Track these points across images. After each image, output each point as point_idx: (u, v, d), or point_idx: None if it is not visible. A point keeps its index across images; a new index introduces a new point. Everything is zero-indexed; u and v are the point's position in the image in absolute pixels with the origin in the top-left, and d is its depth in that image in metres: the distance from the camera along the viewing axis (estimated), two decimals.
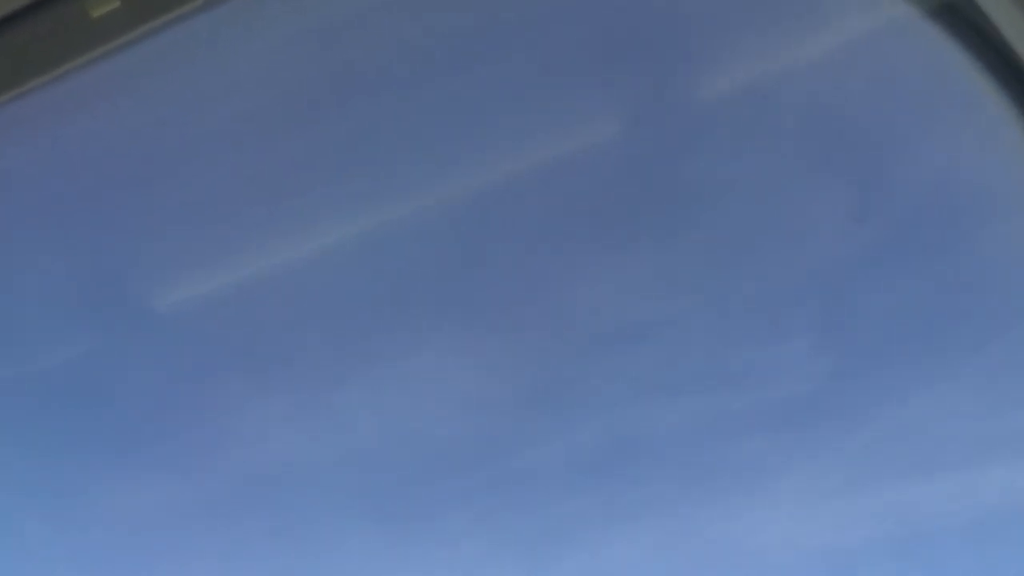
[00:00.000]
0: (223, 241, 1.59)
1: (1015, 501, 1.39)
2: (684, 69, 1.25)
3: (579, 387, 1.86)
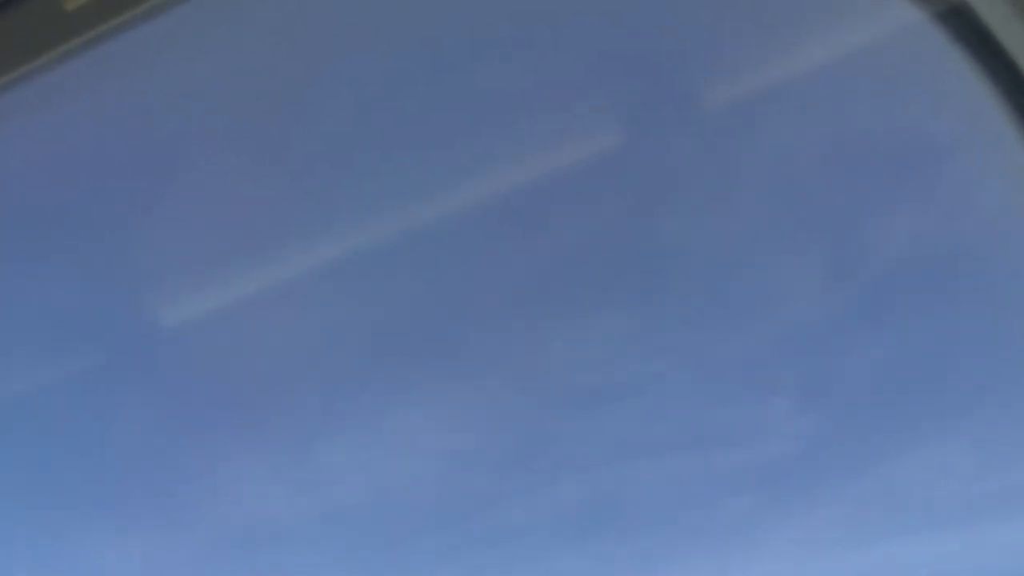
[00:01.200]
0: (205, 283, 1.57)
1: (1011, 560, 1.35)
2: (664, 113, 1.22)
3: (562, 444, 1.83)
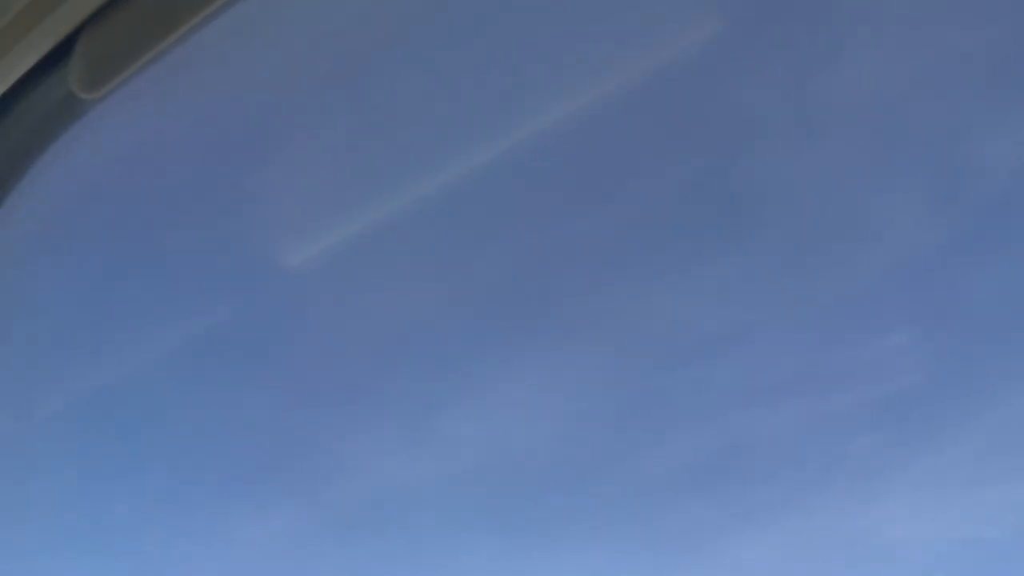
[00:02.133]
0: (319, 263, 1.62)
1: None
2: (741, 63, 1.18)
3: (676, 397, 1.81)
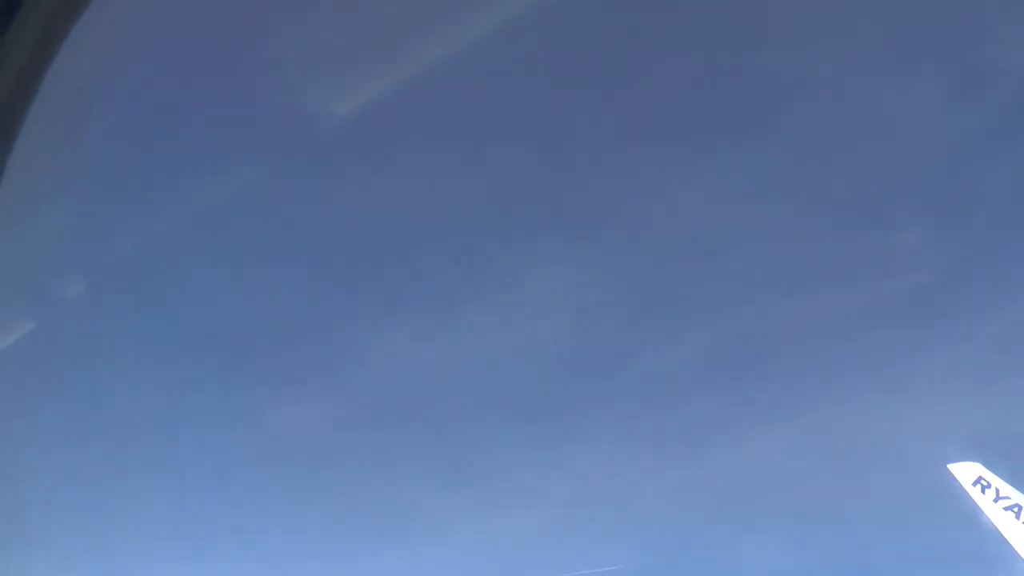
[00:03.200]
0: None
1: None
2: None
3: (692, 290, 1.88)
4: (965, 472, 4.81)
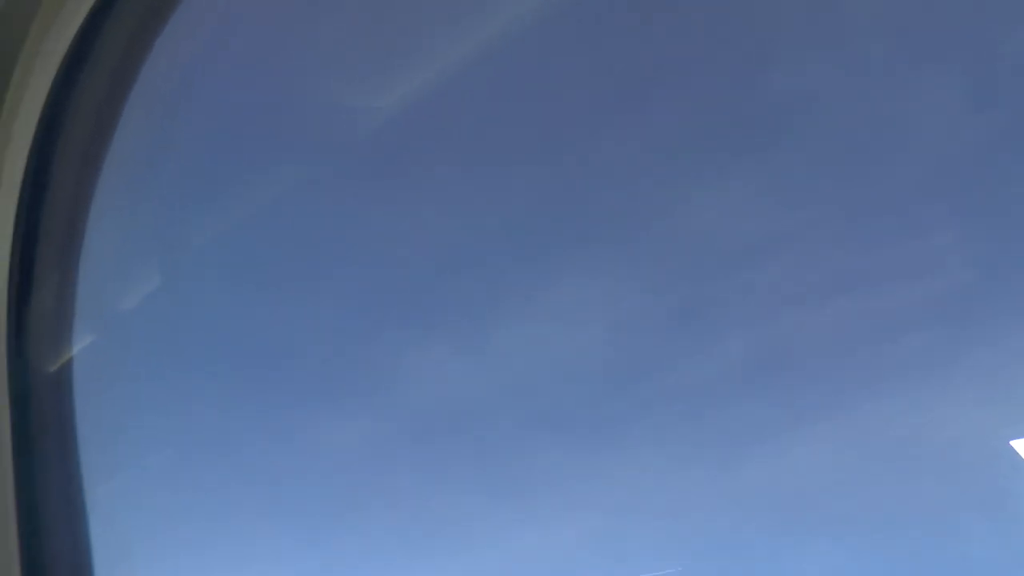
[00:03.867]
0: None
1: None
2: None
3: (722, 302, 1.86)
4: None
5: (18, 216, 0.89)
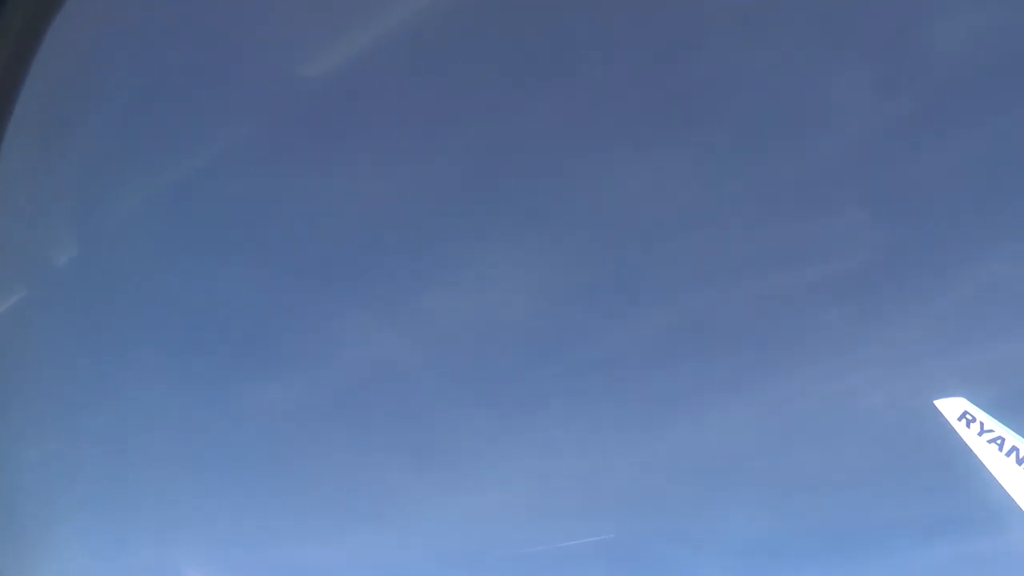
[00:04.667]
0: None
1: None
2: None
3: (645, 273, 1.92)
4: (951, 407, 4.88)
5: None
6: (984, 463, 4.69)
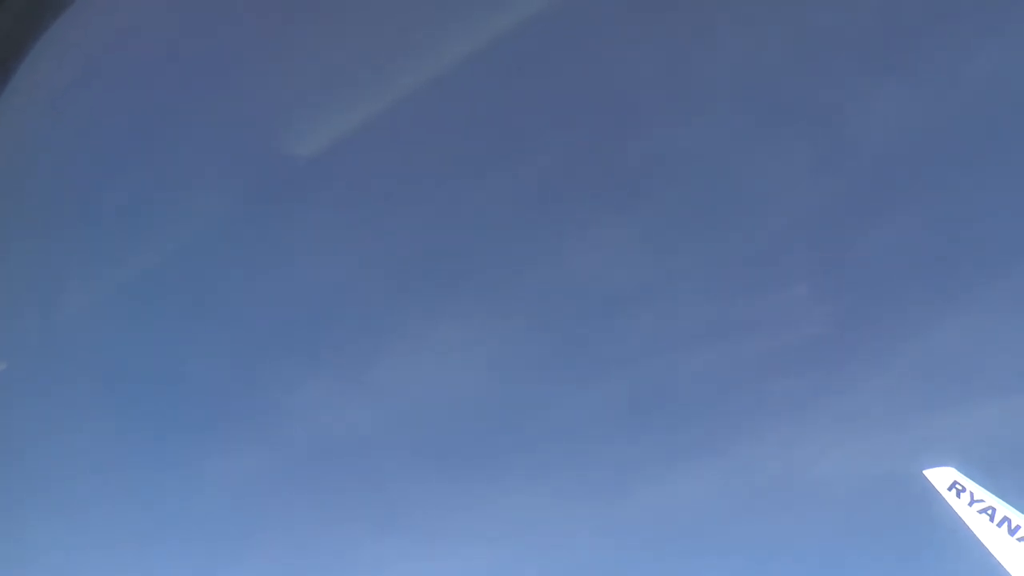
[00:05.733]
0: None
1: None
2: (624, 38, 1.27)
3: (595, 346, 1.95)
4: (941, 477, 4.85)
5: None
6: (975, 533, 4.65)
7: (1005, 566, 4.48)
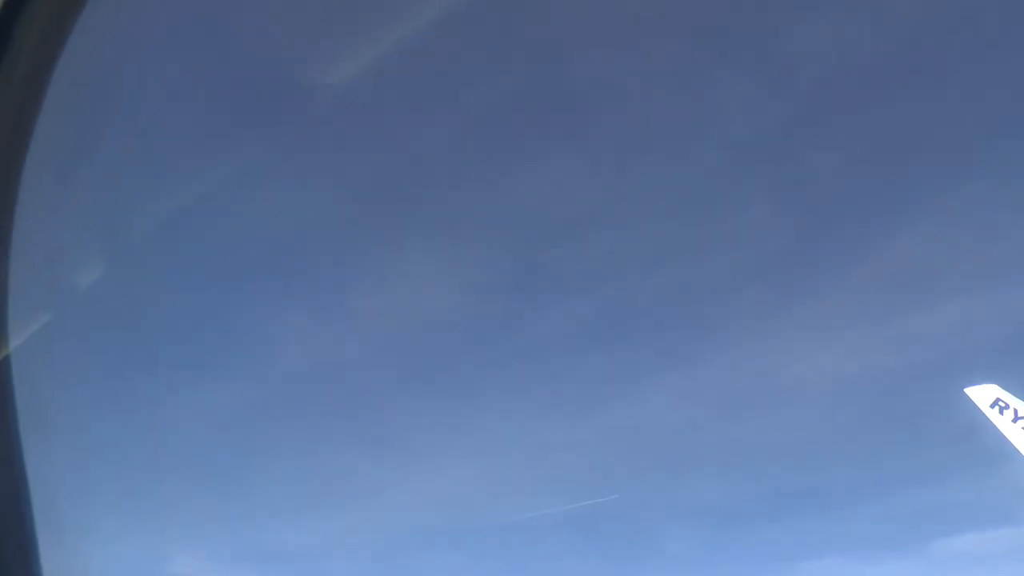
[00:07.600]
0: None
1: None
2: None
3: (563, 267, 1.91)
4: (982, 395, 4.78)
5: None
6: (1019, 449, 4.59)
7: None
